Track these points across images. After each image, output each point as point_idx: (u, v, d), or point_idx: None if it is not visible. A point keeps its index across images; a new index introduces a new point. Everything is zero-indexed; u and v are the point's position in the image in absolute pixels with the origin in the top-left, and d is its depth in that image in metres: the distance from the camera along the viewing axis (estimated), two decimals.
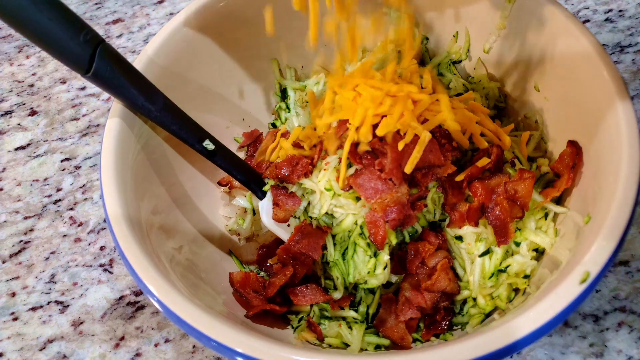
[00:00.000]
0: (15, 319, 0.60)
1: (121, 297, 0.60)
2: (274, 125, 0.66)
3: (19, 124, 0.76)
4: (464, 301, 0.51)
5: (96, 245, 0.64)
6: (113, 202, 0.44)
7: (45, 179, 0.70)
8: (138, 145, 0.50)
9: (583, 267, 0.38)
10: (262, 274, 0.57)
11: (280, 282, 0.51)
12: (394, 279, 0.52)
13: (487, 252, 0.50)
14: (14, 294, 0.62)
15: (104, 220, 0.66)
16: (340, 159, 0.51)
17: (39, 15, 0.40)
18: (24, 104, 0.78)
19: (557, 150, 0.53)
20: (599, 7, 0.78)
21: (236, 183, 0.59)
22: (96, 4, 0.89)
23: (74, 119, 0.75)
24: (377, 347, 0.50)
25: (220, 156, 0.54)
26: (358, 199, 0.50)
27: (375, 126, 0.49)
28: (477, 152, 0.52)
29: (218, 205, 0.61)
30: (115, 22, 0.86)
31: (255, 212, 0.59)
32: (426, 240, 0.51)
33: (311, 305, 0.53)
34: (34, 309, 0.60)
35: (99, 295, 0.60)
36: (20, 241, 0.66)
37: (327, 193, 0.51)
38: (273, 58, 0.65)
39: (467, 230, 0.50)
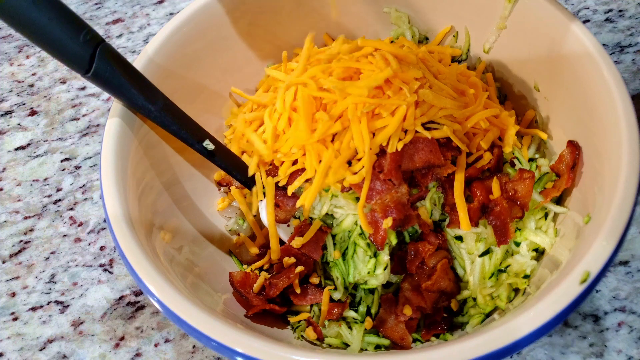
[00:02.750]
0: (15, 319, 0.60)
1: (121, 297, 0.60)
2: None
3: (19, 124, 0.76)
4: (464, 301, 0.51)
5: (96, 245, 0.64)
6: (113, 202, 0.44)
7: (45, 179, 0.70)
8: (138, 145, 0.50)
9: (583, 267, 0.38)
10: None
11: (283, 284, 0.51)
12: (394, 279, 0.52)
13: (487, 252, 0.50)
14: (14, 294, 0.62)
15: (104, 220, 0.66)
16: None
17: (39, 15, 0.40)
18: (24, 104, 0.78)
19: (557, 150, 0.53)
20: (599, 7, 0.78)
21: (236, 183, 0.59)
22: (96, 4, 0.89)
23: (74, 119, 0.76)
24: (377, 347, 0.50)
25: (220, 156, 0.54)
26: (358, 199, 0.50)
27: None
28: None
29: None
30: (115, 22, 0.86)
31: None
32: (426, 240, 0.51)
33: (311, 305, 0.53)
34: (34, 309, 0.60)
35: (99, 295, 0.60)
36: (20, 241, 0.66)
37: (326, 194, 0.51)
38: (270, 64, 0.66)
39: (467, 231, 0.50)
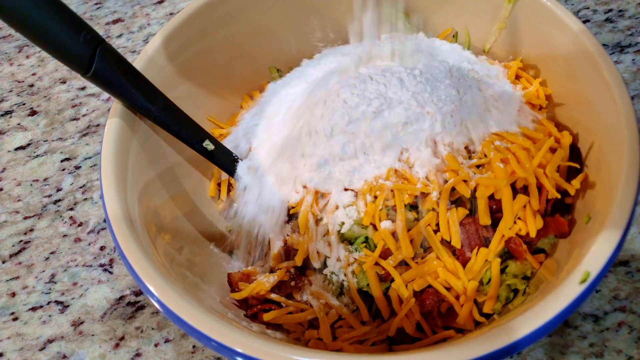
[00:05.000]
0: (15, 319, 0.60)
1: (121, 297, 0.60)
2: None
3: (19, 124, 0.76)
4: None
5: (96, 245, 0.64)
6: (113, 202, 0.44)
7: (45, 179, 0.70)
8: (138, 145, 0.50)
9: (583, 267, 0.38)
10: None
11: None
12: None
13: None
14: (14, 294, 0.62)
15: (104, 220, 0.66)
16: None
17: (39, 15, 0.40)
18: (24, 104, 0.78)
19: None
20: (599, 7, 0.78)
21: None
22: (96, 4, 0.89)
23: (74, 119, 0.76)
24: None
25: (220, 156, 0.54)
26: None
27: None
28: None
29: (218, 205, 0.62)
30: (115, 22, 0.86)
31: None
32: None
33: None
34: (34, 309, 0.60)
35: (99, 295, 0.60)
36: (20, 241, 0.66)
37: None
38: (271, 66, 0.66)
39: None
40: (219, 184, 0.61)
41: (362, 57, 0.53)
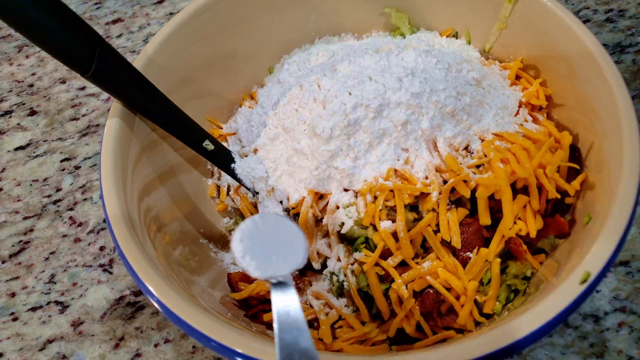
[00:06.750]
0: (15, 319, 0.60)
1: (121, 298, 0.60)
2: None
3: (18, 124, 0.76)
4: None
5: (96, 245, 0.64)
6: (113, 202, 0.44)
7: (45, 179, 0.70)
8: (138, 145, 0.50)
9: (583, 267, 0.38)
10: None
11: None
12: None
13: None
14: (13, 294, 0.62)
15: (104, 221, 0.66)
16: None
17: (39, 15, 0.40)
18: (24, 104, 0.78)
19: None
20: (599, 7, 0.78)
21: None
22: (96, 4, 0.89)
23: (74, 119, 0.75)
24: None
25: (220, 156, 0.54)
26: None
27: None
28: None
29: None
30: (115, 22, 0.86)
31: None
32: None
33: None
34: (33, 309, 0.60)
35: (99, 295, 0.60)
36: (20, 241, 0.65)
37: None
38: (271, 66, 0.66)
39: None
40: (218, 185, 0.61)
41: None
